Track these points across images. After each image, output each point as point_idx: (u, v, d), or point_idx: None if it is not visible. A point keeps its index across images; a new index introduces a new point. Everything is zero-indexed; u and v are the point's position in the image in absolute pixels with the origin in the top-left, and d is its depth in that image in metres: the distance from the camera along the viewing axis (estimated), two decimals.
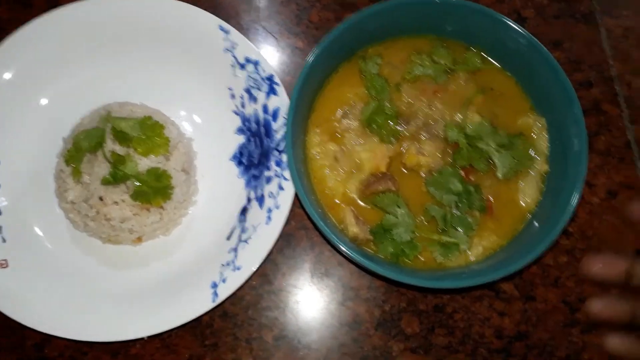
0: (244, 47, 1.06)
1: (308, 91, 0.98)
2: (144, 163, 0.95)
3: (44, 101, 1.08)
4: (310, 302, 1.05)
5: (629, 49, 1.23)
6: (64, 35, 1.07)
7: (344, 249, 0.86)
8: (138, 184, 0.92)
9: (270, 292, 1.05)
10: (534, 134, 1.00)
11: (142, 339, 0.96)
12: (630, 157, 1.16)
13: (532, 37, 0.97)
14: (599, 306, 0.71)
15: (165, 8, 1.07)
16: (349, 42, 1.01)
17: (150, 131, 0.95)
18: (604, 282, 0.72)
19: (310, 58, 0.94)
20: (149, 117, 0.96)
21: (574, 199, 0.88)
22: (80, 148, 0.93)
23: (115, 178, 0.91)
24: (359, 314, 1.04)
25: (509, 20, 0.98)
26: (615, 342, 0.70)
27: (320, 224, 0.87)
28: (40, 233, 1.02)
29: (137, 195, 0.93)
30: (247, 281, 0.98)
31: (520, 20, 1.24)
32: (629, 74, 1.22)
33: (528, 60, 0.99)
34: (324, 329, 1.03)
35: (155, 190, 0.93)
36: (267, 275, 1.05)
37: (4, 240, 0.99)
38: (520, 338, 1.05)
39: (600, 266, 0.71)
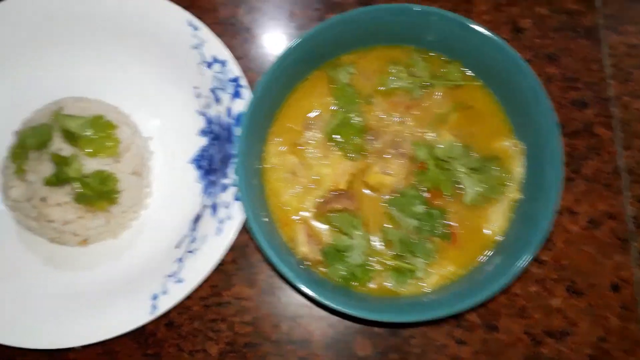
0: (213, 45, 1.00)
1: (271, 97, 0.92)
2: (90, 164, 0.91)
3: None
4: (260, 317, 1.00)
5: (631, 69, 1.14)
6: (24, 22, 1.02)
7: (285, 272, 0.81)
8: (81, 187, 0.88)
9: (219, 304, 1.00)
10: (510, 158, 0.93)
11: (73, 348, 0.93)
12: (618, 185, 1.08)
13: (515, 52, 0.88)
14: None
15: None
16: (321, 47, 0.93)
17: (100, 131, 0.90)
18: None
19: (275, 62, 0.87)
20: (100, 116, 0.91)
21: (541, 237, 0.82)
22: (25, 145, 0.89)
23: (59, 179, 0.87)
24: (310, 332, 1.00)
25: (492, 34, 0.90)
26: None
27: (264, 243, 0.81)
28: None
29: (80, 199, 0.89)
30: (193, 292, 0.94)
31: (516, 31, 1.15)
32: (627, 96, 1.13)
33: (511, 79, 0.91)
34: (272, 346, 0.99)
35: (99, 194, 0.89)
36: (217, 286, 1.01)
37: None
38: None
39: None
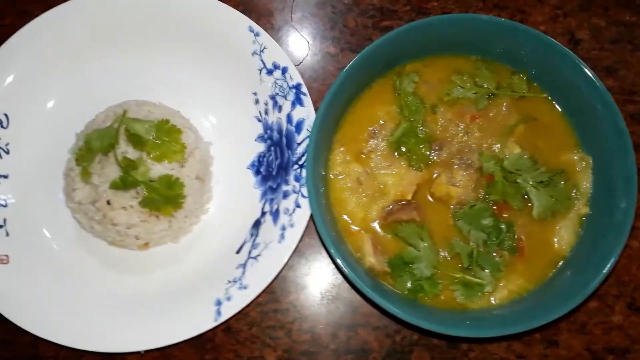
0: (273, 51, 1.00)
1: (337, 106, 0.92)
2: (156, 169, 0.91)
3: (58, 95, 1.04)
4: (318, 324, 1.00)
5: None
6: (85, 25, 1.03)
7: (357, 282, 0.80)
8: (148, 192, 0.87)
9: (276, 311, 1.00)
10: (577, 172, 0.92)
11: (138, 352, 0.92)
12: None
13: (587, 67, 0.88)
14: None
15: (194, 4, 1.02)
16: (386, 56, 0.94)
17: (166, 136, 0.90)
18: None
19: (343, 72, 0.87)
20: (166, 121, 0.91)
21: (615, 254, 0.81)
22: (91, 148, 0.89)
23: (125, 183, 0.87)
24: (368, 342, 0.99)
25: (562, 47, 0.89)
26: None
27: (334, 252, 0.81)
28: (46, 230, 0.99)
29: (146, 203, 0.89)
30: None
31: (573, 43, 1.14)
32: None
33: (579, 92, 0.91)
34: (330, 355, 0.98)
35: (165, 199, 0.89)
36: (274, 293, 1.00)
37: (7, 234, 0.96)
38: None
39: None
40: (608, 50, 1.14)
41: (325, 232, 0.83)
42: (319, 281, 1.02)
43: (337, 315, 1.00)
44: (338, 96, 0.88)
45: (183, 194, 0.91)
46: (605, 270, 0.81)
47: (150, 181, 0.89)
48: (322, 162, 0.91)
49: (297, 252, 1.02)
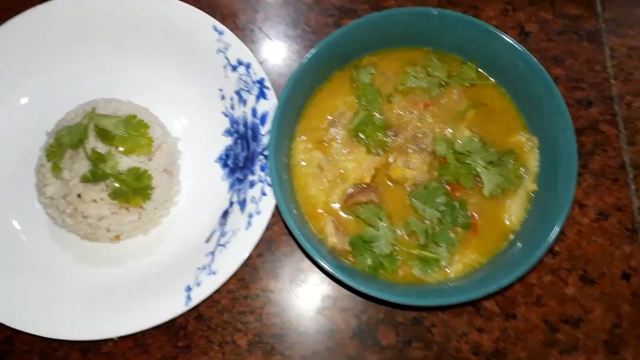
0: (237, 48, 1.05)
1: (297, 97, 0.97)
2: (125, 162, 0.95)
3: (29, 94, 1.08)
4: (287, 309, 1.04)
5: (631, 69, 1.20)
6: (55, 27, 1.07)
7: (318, 260, 0.85)
8: (117, 183, 0.91)
9: (246, 297, 1.04)
10: (525, 152, 0.98)
11: (112, 339, 0.95)
12: (624, 179, 1.14)
13: (529, 53, 0.94)
14: None
15: (159, 5, 1.07)
16: (343, 49, 0.99)
17: (133, 130, 0.94)
18: None
19: (302, 64, 0.92)
20: (134, 116, 0.95)
21: (559, 224, 0.86)
22: (61, 144, 0.92)
23: (95, 176, 0.90)
24: (336, 323, 1.03)
25: (506, 36, 0.96)
26: None
27: (297, 233, 0.86)
28: (17, 226, 1.02)
29: (115, 195, 0.92)
30: (222, 285, 0.97)
31: (523, 35, 1.21)
32: (629, 95, 1.19)
33: (524, 78, 0.97)
34: (299, 337, 1.02)
35: (134, 191, 0.92)
36: (244, 280, 1.04)
37: None
38: (497, 356, 1.03)
39: None
40: (555, 41, 1.22)
41: (288, 215, 0.87)
42: (288, 268, 1.06)
43: (304, 298, 1.04)
44: (298, 87, 0.93)
45: (151, 186, 0.95)
46: (549, 239, 0.86)
47: (119, 174, 0.92)
48: (285, 151, 0.96)
49: (267, 240, 1.06)
